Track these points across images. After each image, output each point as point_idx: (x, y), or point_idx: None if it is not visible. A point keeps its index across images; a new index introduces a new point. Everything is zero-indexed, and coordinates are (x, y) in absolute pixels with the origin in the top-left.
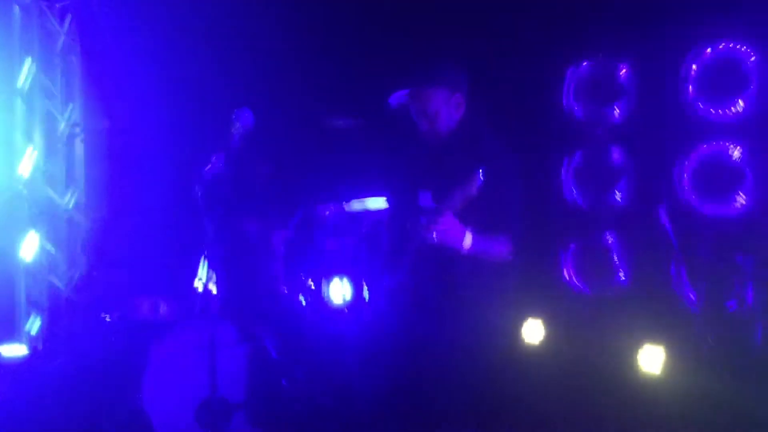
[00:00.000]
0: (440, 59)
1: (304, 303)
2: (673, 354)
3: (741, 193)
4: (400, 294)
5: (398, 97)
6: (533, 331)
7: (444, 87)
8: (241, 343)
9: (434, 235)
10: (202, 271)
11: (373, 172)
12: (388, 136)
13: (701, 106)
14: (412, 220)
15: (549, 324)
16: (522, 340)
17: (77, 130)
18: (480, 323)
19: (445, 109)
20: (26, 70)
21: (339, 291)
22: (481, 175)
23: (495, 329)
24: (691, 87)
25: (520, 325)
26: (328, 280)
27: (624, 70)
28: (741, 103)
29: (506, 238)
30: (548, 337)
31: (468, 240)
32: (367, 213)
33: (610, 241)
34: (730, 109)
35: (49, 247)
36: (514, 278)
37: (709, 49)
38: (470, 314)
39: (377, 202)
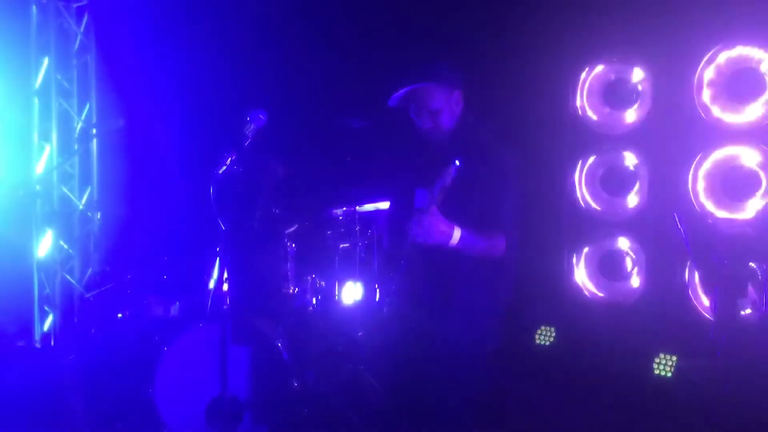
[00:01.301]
0: (437, 58)
1: (315, 304)
2: (686, 360)
3: (756, 199)
4: (400, 296)
5: (397, 98)
6: (542, 335)
7: (444, 84)
8: (252, 343)
9: (419, 233)
10: (215, 270)
11: (383, 173)
12: (397, 137)
13: (716, 111)
14: (407, 220)
15: (561, 328)
16: (534, 344)
17: (93, 129)
18: (481, 325)
19: (447, 106)
20: (43, 70)
21: (350, 292)
22: (455, 166)
23: (496, 331)
24: (705, 91)
25: (532, 329)
26: (340, 281)
27: (638, 74)
28: (755, 108)
29: (498, 233)
30: (560, 342)
31: (456, 236)
32: (379, 214)
33: (623, 246)
34: (744, 115)
35: (63, 244)
36: (512, 279)
37: (723, 54)
38: (470, 316)
39: (388, 204)
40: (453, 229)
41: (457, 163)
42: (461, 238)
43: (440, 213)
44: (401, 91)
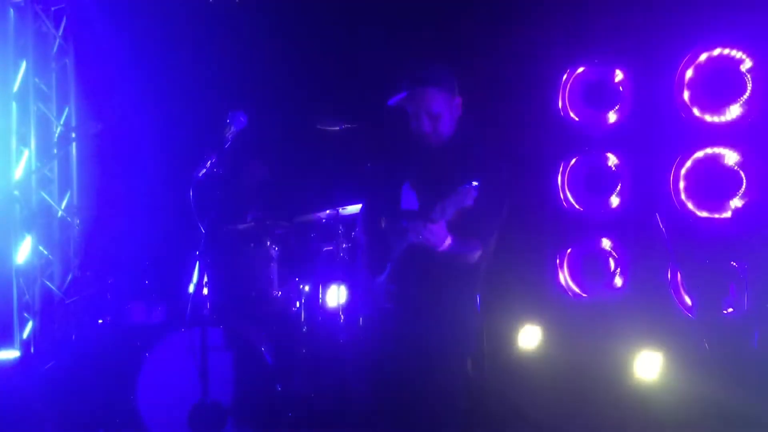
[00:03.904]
0: (438, 62)
1: (298, 307)
2: (669, 359)
3: (736, 198)
4: (386, 297)
5: (397, 99)
6: (529, 336)
7: (446, 89)
8: (235, 348)
9: (420, 238)
10: (196, 274)
11: (367, 174)
12: (381, 139)
13: (696, 112)
14: (395, 223)
15: (545, 328)
16: (517, 345)
17: (72, 133)
18: (465, 326)
19: (448, 111)
20: (21, 74)
21: (334, 296)
22: (475, 186)
23: (478, 332)
24: (686, 92)
25: (516, 330)
26: (324, 284)
27: (620, 76)
28: (736, 108)
29: (476, 242)
30: (544, 342)
31: (447, 243)
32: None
33: (606, 246)
34: (725, 115)
35: (42, 250)
36: (484, 278)
37: (704, 55)
38: (454, 317)
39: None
40: (447, 237)
41: (475, 183)
42: (450, 245)
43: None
44: (404, 92)
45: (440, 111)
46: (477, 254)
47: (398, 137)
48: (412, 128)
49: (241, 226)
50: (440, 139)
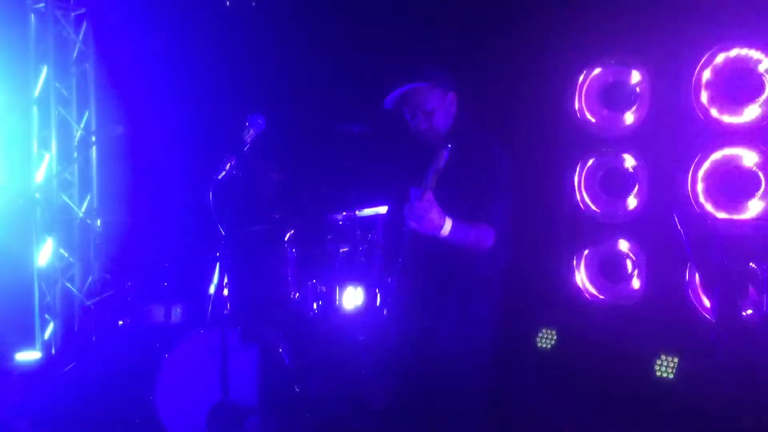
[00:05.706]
0: (434, 60)
1: (315, 309)
2: (687, 362)
3: (755, 199)
4: (399, 295)
5: (392, 100)
6: (545, 338)
7: (437, 85)
8: (254, 349)
9: (413, 219)
10: (216, 275)
11: (383, 177)
12: (395, 140)
13: (714, 113)
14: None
15: (562, 330)
16: (534, 347)
17: (92, 136)
18: (480, 324)
19: (442, 106)
20: (42, 78)
21: (351, 297)
22: (447, 149)
23: (495, 330)
24: (704, 93)
25: (532, 332)
26: (341, 286)
27: (637, 76)
28: (754, 109)
29: (487, 227)
30: (560, 344)
31: (447, 226)
32: (379, 218)
33: (623, 248)
34: (743, 116)
35: (63, 252)
36: (504, 275)
37: (722, 56)
38: (468, 314)
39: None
40: (444, 219)
41: (449, 146)
42: (452, 228)
43: (435, 200)
44: (396, 92)
45: (433, 107)
46: (490, 238)
47: (406, 139)
48: (410, 127)
49: (259, 228)
50: (437, 135)
